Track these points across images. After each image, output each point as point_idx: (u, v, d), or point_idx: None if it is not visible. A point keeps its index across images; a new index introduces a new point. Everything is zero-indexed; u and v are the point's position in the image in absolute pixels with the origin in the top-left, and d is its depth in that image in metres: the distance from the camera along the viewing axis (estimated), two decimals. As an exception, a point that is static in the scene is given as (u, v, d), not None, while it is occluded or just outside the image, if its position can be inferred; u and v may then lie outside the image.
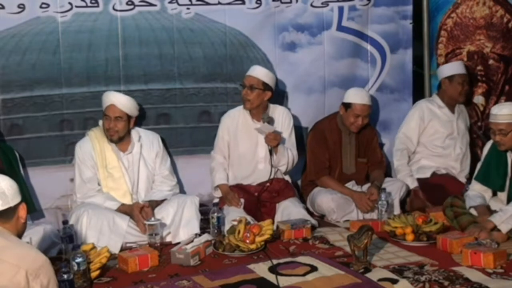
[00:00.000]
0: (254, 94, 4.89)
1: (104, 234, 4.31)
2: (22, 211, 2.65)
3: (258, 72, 4.94)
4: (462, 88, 5.42)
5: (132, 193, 4.63)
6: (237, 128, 4.99)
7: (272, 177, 4.90)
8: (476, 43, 5.75)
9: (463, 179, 5.32)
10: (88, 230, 4.28)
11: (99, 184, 4.60)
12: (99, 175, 4.61)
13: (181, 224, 4.51)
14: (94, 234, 4.27)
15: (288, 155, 4.91)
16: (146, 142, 4.78)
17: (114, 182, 4.62)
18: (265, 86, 4.91)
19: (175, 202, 4.60)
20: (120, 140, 4.65)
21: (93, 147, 4.62)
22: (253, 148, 4.97)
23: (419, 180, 5.28)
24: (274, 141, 4.80)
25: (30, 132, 4.80)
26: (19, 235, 2.66)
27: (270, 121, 4.89)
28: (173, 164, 4.99)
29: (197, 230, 4.47)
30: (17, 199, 2.63)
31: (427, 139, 5.44)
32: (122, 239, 4.36)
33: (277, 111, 5.04)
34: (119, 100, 4.64)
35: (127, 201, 4.60)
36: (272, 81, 4.99)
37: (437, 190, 5.16)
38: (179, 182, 4.99)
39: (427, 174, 5.36)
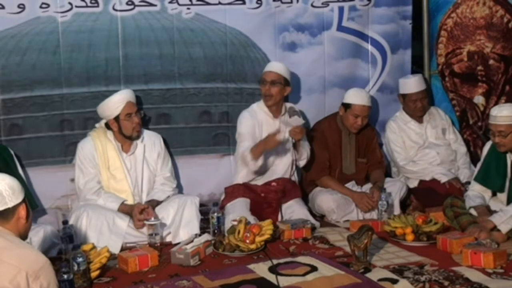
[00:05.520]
0: (276, 89, 4.88)
1: (104, 234, 4.31)
2: (23, 212, 2.63)
3: (279, 68, 4.94)
4: (415, 106, 5.41)
5: (134, 195, 4.63)
6: (258, 123, 4.93)
7: (293, 171, 4.91)
8: (476, 43, 5.75)
9: (466, 171, 5.33)
10: (88, 231, 4.28)
11: (98, 183, 4.59)
12: (101, 176, 4.60)
13: (181, 224, 4.50)
14: (94, 235, 4.27)
15: (306, 149, 4.91)
16: (149, 143, 4.77)
17: (116, 183, 4.62)
18: (286, 81, 4.92)
19: (176, 202, 4.59)
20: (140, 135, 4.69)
21: (95, 147, 4.61)
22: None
23: (409, 189, 5.25)
24: (300, 135, 4.75)
25: (30, 132, 4.80)
26: (21, 236, 2.64)
27: (297, 114, 4.83)
28: (173, 164, 4.98)
29: (197, 231, 4.47)
30: (17, 199, 2.61)
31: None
32: (122, 240, 4.36)
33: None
34: (130, 96, 4.67)
35: (129, 202, 4.59)
36: (290, 77, 5.00)
37: (428, 193, 5.16)
38: (179, 182, 5.00)
39: (415, 184, 5.34)
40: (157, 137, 4.86)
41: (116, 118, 4.60)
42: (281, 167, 4.95)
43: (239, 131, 4.93)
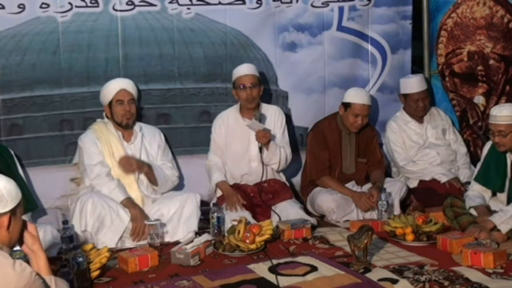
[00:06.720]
0: (256, 91, 4.90)
1: (105, 224, 4.33)
2: (5, 222, 2.56)
3: (252, 69, 4.97)
4: (417, 106, 5.41)
5: (138, 183, 4.63)
6: (228, 128, 4.99)
7: (265, 175, 4.91)
8: (477, 43, 5.75)
9: (466, 171, 5.33)
10: (90, 218, 4.30)
11: (107, 166, 4.58)
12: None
13: (180, 222, 4.51)
14: (96, 223, 4.30)
15: (280, 153, 4.91)
16: (148, 134, 4.80)
17: (121, 171, 4.61)
18: (260, 81, 4.96)
19: (178, 199, 4.59)
20: (132, 125, 4.68)
21: (97, 137, 4.62)
22: (246, 147, 4.97)
23: (409, 189, 5.25)
24: (264, 139, 4.80)
25: (30, 132, 4.81)
26: (6, 244, 2.58)
27: (262, 118, 4.89)
28: (173, 164, 4.99)
29: (195, 227, 4.48)
30: (4, 209, 2.54)
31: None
32: (121, 233, 4.38)
33: (269, 110, 5.05)
34: (126, 84, 4.70)
35: (134, 190, 4.60)
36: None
37: (428, 193, 5.16)
38: (179, 182, 5.00)
39: (414, 184, 5.34)
40: (157, 131, 4.90)
41: (110, 104, 4.64)
42: (256, 171, 4.96)
43: (211, 135, 5.04)
